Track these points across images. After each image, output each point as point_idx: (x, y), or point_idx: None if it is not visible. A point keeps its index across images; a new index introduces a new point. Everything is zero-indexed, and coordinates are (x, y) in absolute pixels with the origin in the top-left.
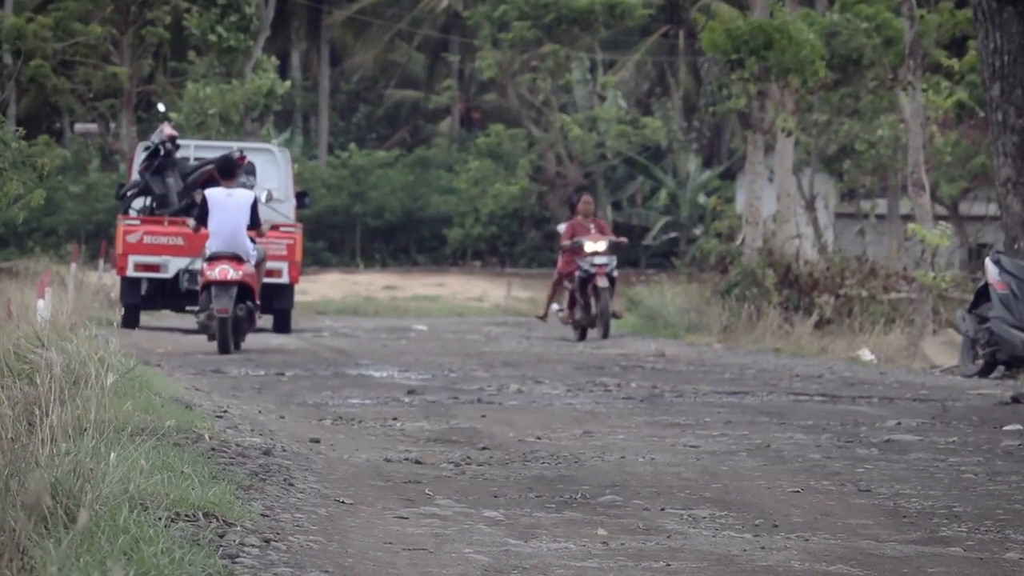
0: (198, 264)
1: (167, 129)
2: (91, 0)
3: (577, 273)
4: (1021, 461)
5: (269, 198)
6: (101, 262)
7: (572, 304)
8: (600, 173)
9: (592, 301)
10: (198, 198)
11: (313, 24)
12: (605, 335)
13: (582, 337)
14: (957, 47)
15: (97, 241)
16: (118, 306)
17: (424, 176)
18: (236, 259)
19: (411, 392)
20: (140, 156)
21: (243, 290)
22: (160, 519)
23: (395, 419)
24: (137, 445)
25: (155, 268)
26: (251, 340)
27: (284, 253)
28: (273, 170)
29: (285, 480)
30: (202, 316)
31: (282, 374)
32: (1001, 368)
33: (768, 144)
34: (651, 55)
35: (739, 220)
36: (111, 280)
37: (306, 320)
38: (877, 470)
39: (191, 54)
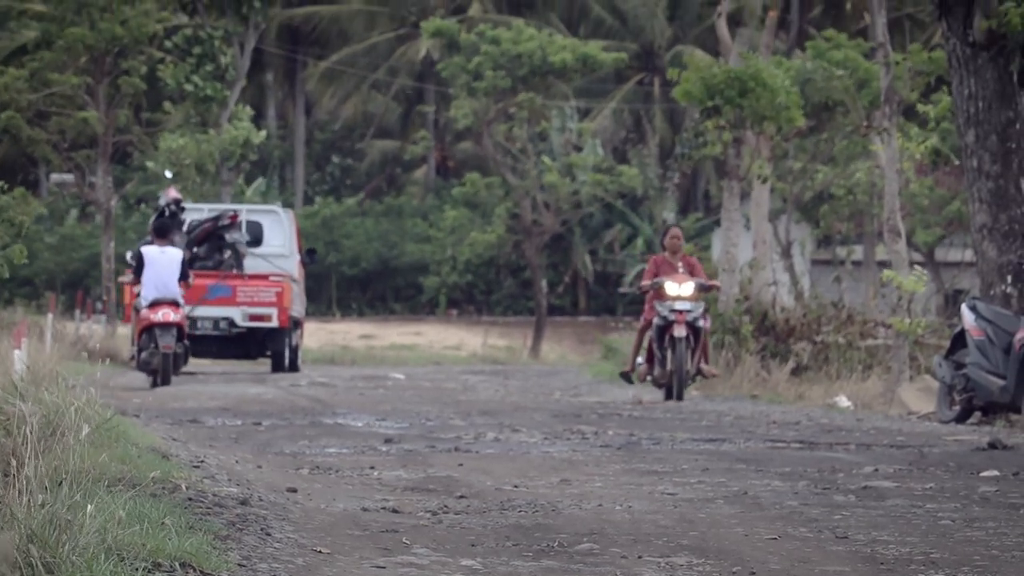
0: (198, 311)
1: (172, 192)
2: (66, 51)
3: (654, 320)
4: (998, 507)
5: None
6: (78, 312)
7: (651, 358)
8: (577, 221)
9: (668, 355)
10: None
11: (289, 74)
12: (676, 395)
13: (668, 396)
14: (931, 93)
15: (74, 291)
16: (100, 356)
17: (399, 225)
18: (174, 304)
19: (388, 441)
20: (151, 220)
21: (180, 330)
22: (137, 570)
23: (372, 468)
24: (114, 496)
25: None
26: (227, 389)
27: (273, 300)
28: (278, 229)
29: (262, 530)
30: (144, 354)
31: (259, 423)
32: (978, 414)
33: (744, 191)
34: (627, 102)
35: (715, 267)
36: (88, 330)
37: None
38: (854, 517)
39: (167, 104)
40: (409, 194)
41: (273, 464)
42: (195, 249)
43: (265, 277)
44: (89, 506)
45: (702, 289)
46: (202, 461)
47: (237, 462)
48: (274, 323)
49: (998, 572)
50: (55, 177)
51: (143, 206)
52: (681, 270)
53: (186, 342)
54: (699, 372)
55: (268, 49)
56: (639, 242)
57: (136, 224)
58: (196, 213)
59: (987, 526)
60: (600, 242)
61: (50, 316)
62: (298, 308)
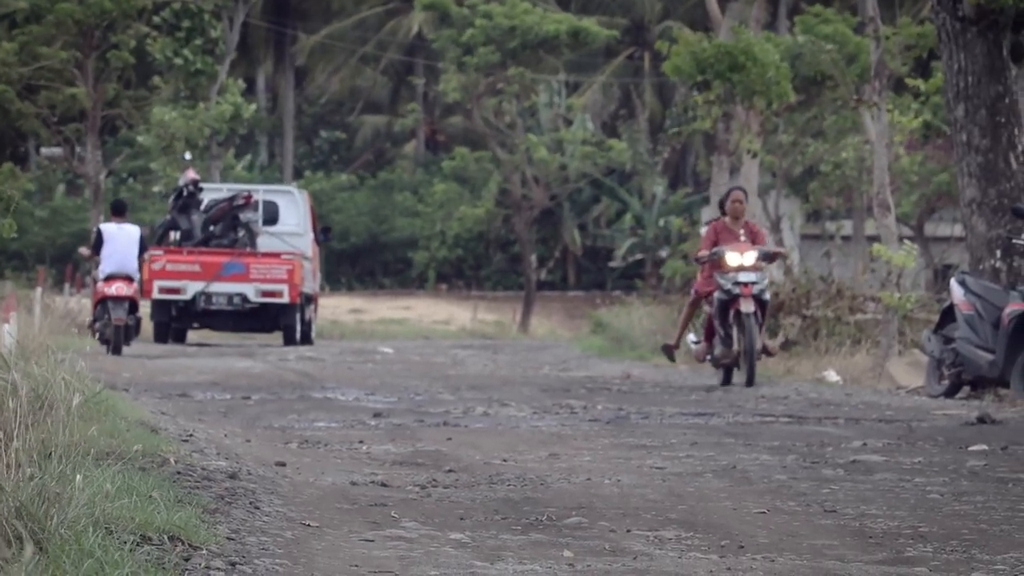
0: (213, 287)
1: (191, 173)
2: (55, 24)
3: (716, 294)
4: (987, 481)
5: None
6: (67, 286)
7: (710, 335)
8: (566, 195)
9: (734, 332)
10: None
11: (279, 48)
12: (750, 381)
13: (727, 380)
14: (923, 68)
15: (63, 265)
16: (88, 333)
17: (389, 199)
18: (128, 279)
19: (377, 415)
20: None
21: (132, 304)
22: (125, 543)
23: (361, 442)
24: (103, 469)
25: (176, 291)
26: (216, 363)
27: (284, 277)
28: (293, 209)
29: (251, 503)
30: (98, 324)
31: (248, 398)
32: (966, 388)
33: (733, 166)
34: (616, 77)
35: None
36: (77, 304)
37: (272, 344)
38: (843, 491)
39: (156, 78)
40: (399, 168)
41: (262, 438)
42: (211, 228)
43: (277, 255)
44: (78, 477)
45: (766, 258)
46: (191, 435)
47: (226, 436)
48: (285, 299)
49: (986, 546)
50: (44, 151)
51: (131, 180)
52: (743, 237)
53: (138, 314)
54: (764, 349)
55: (257, 23)
56: (628, 217)
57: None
58: (215, 193)
59: (975, 500)
60: (589, 217)
61: (39, 290)
62: (311, 284)
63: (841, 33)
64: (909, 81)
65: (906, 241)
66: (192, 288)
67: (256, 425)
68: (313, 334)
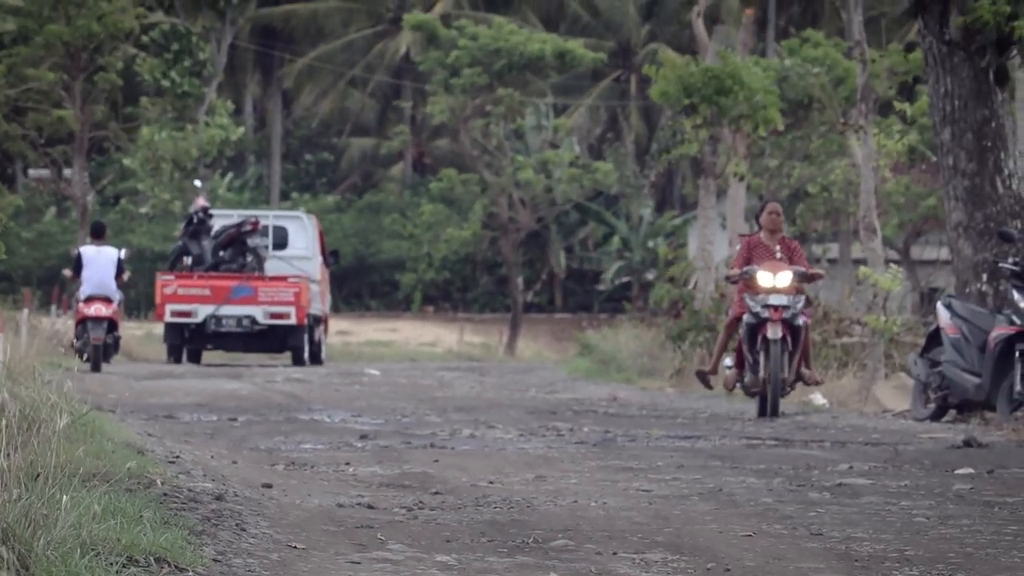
0: (223, 310)
1: (200, 201)
2: (43, 46)
3: (744, 317)
4: (973, 505)
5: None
6: (54, 308)
7: (741, 361)
8: (553, 218)
9: (762, 359)
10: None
11: (266, 70)
12: (770, 409)
13: (763, 411)
14: (909, 91)
15: (50, 287)
16: (70, 352)
17: (376, 221)
18: (106, 300)
19: (364, 437)
20: (181, 225)
21: (111, 323)
22: (112, 564)
23: (348, 464)
24: (89, 490)
25: (187, 314)
26: (203, 385)
27: (291, 299)
28: (302, 233)
29: (237, 525)
30: (78, 343)
31: (235, 419)
32: (952, 412)
33: (720, 188)
34: (603, 99)
35: (691, 265)
36: (64, 326)
37: (259, 366)
38: (829, 514)
39: (144, 100)
40: (386, 190)
41: (248, 460)
42: (221, 252)
43: (284, 278)
44: (65, 497)
45: (803, 279)
46: (177, 456)
47: (212, 458)
48: (292, 320)
49: (972, 569)
50: (32, 172)
51: (123, 201)
52: (779, 255)
53: (116, 333)
54: (799, 378)
55: (245, 45)
56: (615, 240)
57: (114, 221)
58: (226, 219)
59: (961, 523)
60: (576, 239)
61: (26, 311)
62: (318, 306)
63: (830, 57)
64: (896, 105)
65: (892, 264)
66: (203, 311)
67: (243, 447)
68: (323, 354)
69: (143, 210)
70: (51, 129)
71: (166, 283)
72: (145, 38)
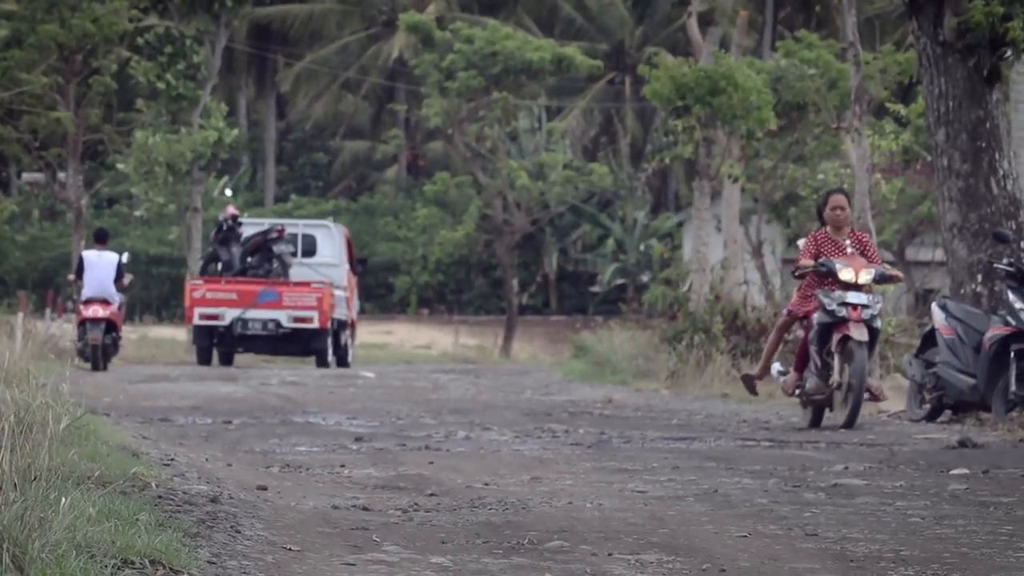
0: (249, 314)
1: (230, 209)
2: (37, 48)
3: (816, 315)
4: (968, 505)
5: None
6: (48, 311)
7: (802, 364)
8: (547, 220)
9: (835, 362)
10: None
11: (260, 73)
12: (847, 420)
13: (815, 421)
14: (904, 93)
15: (44, 290)
16: (71, 355)
17: (370, 224)
18: (105, 302)
19: (359, 439)
20: (212, 232)
21: (110, 324)
22: (107, 567)
23: (343, 466)
24: (84, 493)
25: (215, 317)
26: (198, 388)
27: (314, 304)
28: (329, 242)
29: (232, 527)
30: (79, 344)
31: (229, 422)
32: (948, 412)
33: (715, 190)
34: (597, 102)
35: (686, 267)
36: (59, 329)
37: (253, 368)
38: (824, 514)
39: (139, 102)
40: (381, 193)
41: (243, 462)
42: (248, 259)
43: (307, 284)
44: (64, 499)
45: (883, 280)
46: (172, 459)
47: (207, 460)
48: (315, 324)
49: (968, 569)
50: (26, 176)
51: (116, 205)
52: (850, 250)
53: (115, 334)
54: (869, 392)
55: (240, 48)
56: (609, 242)
57: (109, 225)
58: (254, 227)
59: (957, 524)
60: (570, 241)
61: (20, 315)
62: (343, 311)
63: (824, 59)
64: (889, 106)
65: (887, 265)
66: (230, 315)
67: (237, 449)
68: (350, 357)
69: (137, 213)
70: (45, 132)
71: (195, 287)
72: (139, 40)
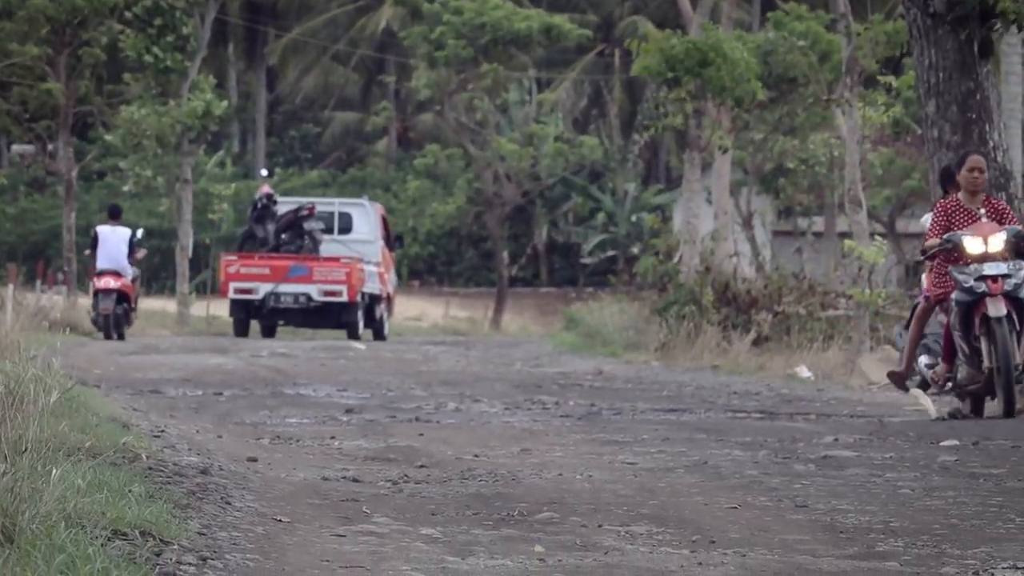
0: (281, 288)
1: (265, 188)
2: (27, 21)
3: (953, 295)
4: (958, 476)
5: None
6: (39, 283)
7: (949, 354)
8: (538, 193)
9: (983, 345)
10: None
11: (250, 45)
12: (1004, 409)
13: (976, 410)
14: (895, 65)
15: (35, 262)
16: (61, 326)
17: (361, 196)
18: (116, 274)
19: (349, 411)
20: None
21: (121, 296)
22: (97, 538)
23: (333, 438)
24: (74, 465)
25: (249, 291)
26: (188, 360)
27: (343, 278)
28: (365, 219)
29: (222, 499)
30: (93, 314)
31: (220, 394)
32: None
33: (705, 162)
34: (587, 74)
35: (676, 238)
36: (49, 301)
37: (244, 341)
38: (814, 486)
39: (127, 75)
40: (371, 165)
41: (234, 434)
42: (282, 236)
43: (337, 259)
44: (55, 471)
45: (1021, 239)
46: (162, 431)
47: (197, 432)
48: (344, 298)
49: (957, 540)
50: (16, 148)
51: (107, 177)
52: (984, 217)
53: (127, 304)
54: (1021, 370)
55: (229, 19)
56: (600, 214)
57: (102, 197)
58: (288, 206)
59: (946, 495)
60: (561, 213)
61: (11, 287)
62: (376, 285)
63: (814, 31)
64: (880, 78)
65: (877, 237)
66: (263, 289)
67: (228, 421)
68: (386, 330)
69: (125, 188)
70: (36, 104)
71: (229, 263)
72: (128, 14)
